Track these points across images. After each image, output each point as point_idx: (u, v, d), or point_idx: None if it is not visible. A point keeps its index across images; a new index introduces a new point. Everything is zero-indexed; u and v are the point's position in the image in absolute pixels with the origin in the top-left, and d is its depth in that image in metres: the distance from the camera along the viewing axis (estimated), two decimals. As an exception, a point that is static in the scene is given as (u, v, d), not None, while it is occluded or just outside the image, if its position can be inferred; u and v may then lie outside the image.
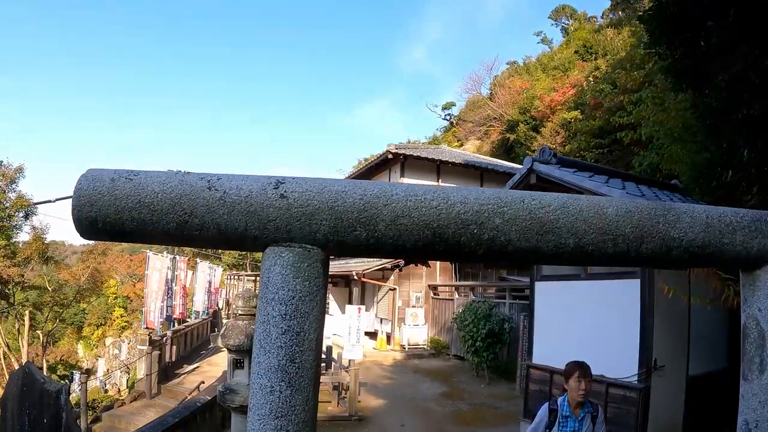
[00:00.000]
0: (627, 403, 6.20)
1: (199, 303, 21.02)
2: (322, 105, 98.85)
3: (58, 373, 27.28)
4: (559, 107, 25.23)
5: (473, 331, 11.64)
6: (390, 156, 17.44)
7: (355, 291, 17.64)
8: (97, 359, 29.74)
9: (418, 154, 18.12)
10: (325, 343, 12.25)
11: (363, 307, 9.20)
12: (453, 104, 47.06)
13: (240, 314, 4.92)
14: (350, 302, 20.87)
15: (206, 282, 21.60)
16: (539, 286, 7.95)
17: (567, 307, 7.37)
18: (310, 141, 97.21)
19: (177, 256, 16.17)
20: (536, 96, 28.24)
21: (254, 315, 4.98)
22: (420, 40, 74.89)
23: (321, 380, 9.43)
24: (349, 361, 9.19)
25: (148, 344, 11.98)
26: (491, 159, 23.44)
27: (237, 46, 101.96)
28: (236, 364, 4.77)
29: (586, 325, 6.99)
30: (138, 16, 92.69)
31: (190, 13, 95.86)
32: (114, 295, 35.67)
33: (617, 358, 6.46)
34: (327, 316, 10.30)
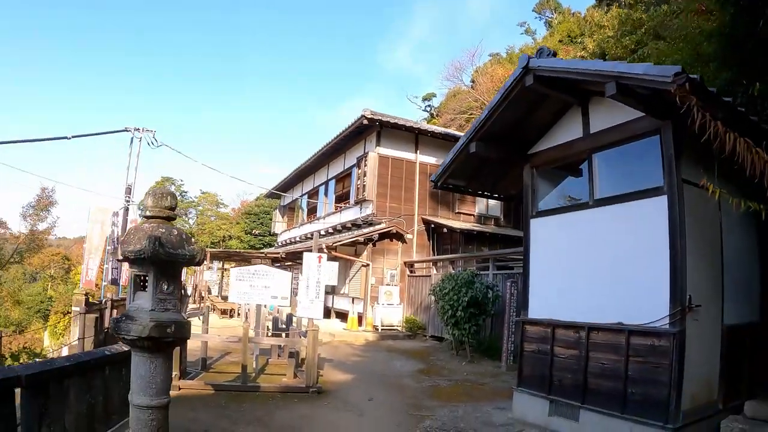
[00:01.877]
0: (656, 354, 4.84)
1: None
2: (306, 102, 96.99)
3: (21, 361, 25.50)
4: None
5: (453, 299, 10.22)
6: (365, 121, 15.93)
7: (325, 268, 16.08)
8: (62, 347, 27.81)
9: (396, 121, 16.69)
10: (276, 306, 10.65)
11: (324, 255, 7.66)
12: (433, 95, 46.16)
13: (149, 215, 3.53)
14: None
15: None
16: (535, 224, 6.57)
17: (571, 245, 6.00)
18: (295, 136, 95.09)
19: (129, 207, 14.29)
20: (519, 80, 27.06)
21: (168, 217, 3.56)
22: (404, 39, 73.80)
23: (275, 347, 7.83)
24: (308, 322, 7.62)
25: (84, 305, 10.27)
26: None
27: (219, 40, 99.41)
28: (138, 283, 3.47)
29: (597, 263, 5.64)
30: (122, 15, 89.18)
31: (175, 10, 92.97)
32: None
33: (640, 300, 5.11)
34: (273, 273, 8.69)
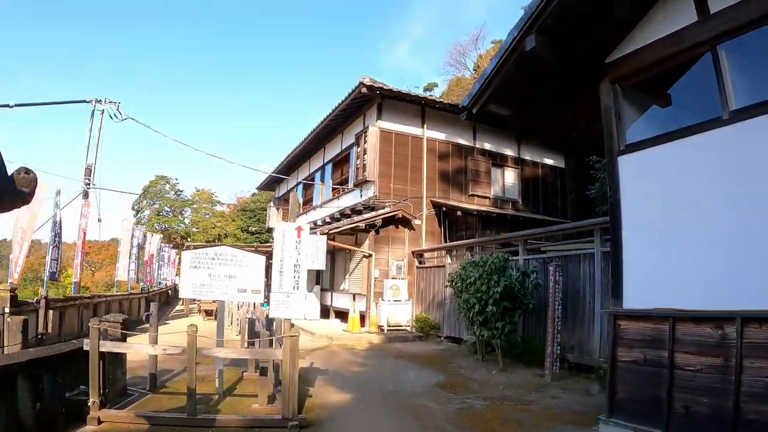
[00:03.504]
0: None
1: (123, 270, 17.08)
2: (302, 100, 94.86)
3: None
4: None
5: (482, 290, 7.98)
6: (364, 90, 13.66)
7: (321, 261, 13.80)
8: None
9: (399, 90, 14.45)
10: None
11: (306, 230, 5.46)
12: (435, 85, 44.06)
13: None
14: (317, 281, 17.08)
15: (131, 245, 17.64)
16: (625, 164, 4.31)
17: (693, 189, 3.77)
18: (292, 139, 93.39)
19: (88, 191, 12.22)
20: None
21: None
22: (404, 36, 71.83)
23: (237, 358, 5.43)
24: (284, 324, 5.38)
25: (9, 305, 8.22)
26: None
27: (215, 39, 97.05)
28: None
29: (748, 214, 3.39)
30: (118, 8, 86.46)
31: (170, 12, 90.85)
32: (71, 285, 32.07)
33: None
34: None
